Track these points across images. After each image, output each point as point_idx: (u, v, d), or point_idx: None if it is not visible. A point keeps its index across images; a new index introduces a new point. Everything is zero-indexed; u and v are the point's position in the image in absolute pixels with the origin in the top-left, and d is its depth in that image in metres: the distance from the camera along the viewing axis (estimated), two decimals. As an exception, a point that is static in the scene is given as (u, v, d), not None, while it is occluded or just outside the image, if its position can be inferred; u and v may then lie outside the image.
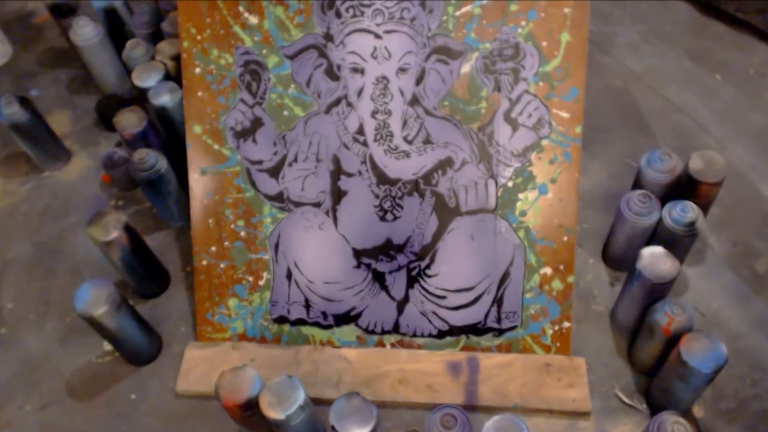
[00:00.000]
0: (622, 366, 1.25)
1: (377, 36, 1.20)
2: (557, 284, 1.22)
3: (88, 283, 1.16)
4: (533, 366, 1.21)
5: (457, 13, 1.20)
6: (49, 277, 1.43)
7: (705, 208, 1.28)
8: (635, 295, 1.17)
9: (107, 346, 1.31)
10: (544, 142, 1.20)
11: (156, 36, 1.56)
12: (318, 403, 1.16)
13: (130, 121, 1.41)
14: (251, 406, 1.05)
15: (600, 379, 1.23)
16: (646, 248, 1.15)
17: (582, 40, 1.18)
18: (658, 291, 1.14)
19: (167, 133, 1.46)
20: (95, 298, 1.14)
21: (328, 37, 1.22)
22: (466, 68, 1.21)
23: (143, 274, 1.33)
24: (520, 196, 1.21)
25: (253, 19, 1.23)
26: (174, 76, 1.45)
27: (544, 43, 1.19)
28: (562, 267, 1.22)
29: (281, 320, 1.27)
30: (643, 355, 1.19)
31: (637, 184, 1.31)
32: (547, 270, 1.22)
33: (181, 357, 1.27)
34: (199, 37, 1.24)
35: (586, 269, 1.37)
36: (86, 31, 1.57)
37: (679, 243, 1.21)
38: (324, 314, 1.26)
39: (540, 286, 1.22)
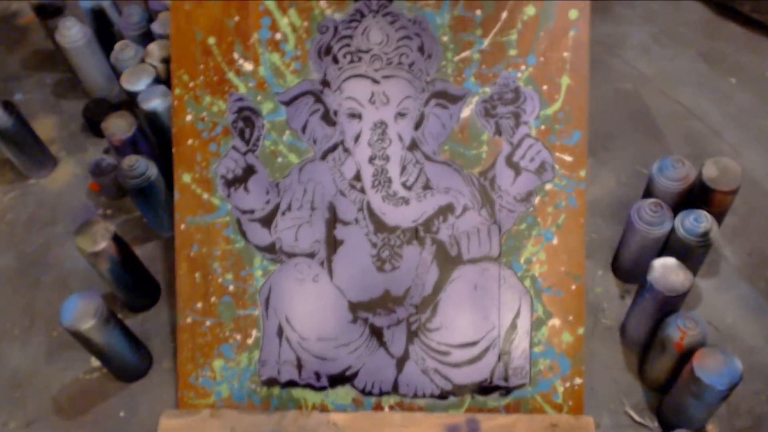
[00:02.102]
0: (632, 382, 1.25)
1: (375, 81, 1.21)
2: (567, 336, 1.20)
3: (75, 296, 1.17)
4: (538, 427, 1.17)
5: (456, 59, 1.21)
6: (35, 290, 1.43)
7: (719, 217, 1.28)
8: (646, 308, 1.18)
9: (95, 362, 1.31)
10: (548, 187, 1.20)
11: (146, 38, 1.57)
12: (306, 466, 1.15)
13: (119, 126, 1.42)
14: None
15: (609, 395, 1.24)
16: (657, 259, 1.16)
17: (582, 83, 1.20)
18: (670, 304, 1.15)
19: (157, 139, 1.47)
20: (82, 312, 1.14)
21: (325, 83, 1.23)
22: (466, 112, 1.22)
23: (132, 286, 1.34)
24: (525, 242, 1.20)
25: (248, 66, 1.24)
26: (165, 79, 1.46)
27: (545, 87, 1.20)
28: (570, 318, 1.20)
29: (271, 382, 1.23)
30: (655, 371, 1.20)
31: (648, 193, 1.32)
32: (556, 321, 1.20)
33: (171, 373, 1.28)
34: (191, 84, 1.25)
35: (595, 281, 1.38)
36: (73, 33, 1.58)
37: (693, 254, 1.22)
38: (317, 375, 1.22)
39: (549, 339, 1.20)
